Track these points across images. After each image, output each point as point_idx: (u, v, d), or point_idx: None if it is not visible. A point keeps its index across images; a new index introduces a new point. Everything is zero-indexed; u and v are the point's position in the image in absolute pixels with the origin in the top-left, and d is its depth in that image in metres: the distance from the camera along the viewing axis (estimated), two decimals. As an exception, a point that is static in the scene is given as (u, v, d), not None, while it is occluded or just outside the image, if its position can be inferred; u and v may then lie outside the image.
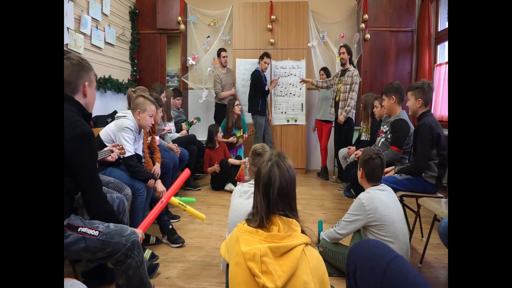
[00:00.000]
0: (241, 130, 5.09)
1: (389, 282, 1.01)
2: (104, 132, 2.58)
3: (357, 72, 4.60)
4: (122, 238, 1.54)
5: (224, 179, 4.41)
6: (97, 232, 1.52)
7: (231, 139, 4.82)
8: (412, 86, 2.70)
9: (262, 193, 1.18)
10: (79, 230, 1.50)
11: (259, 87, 5.04)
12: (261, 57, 5.05)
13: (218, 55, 5.30)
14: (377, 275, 1.04)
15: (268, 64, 5.13)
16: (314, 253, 1.13)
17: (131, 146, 2.51)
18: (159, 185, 2.59)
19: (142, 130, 2.73)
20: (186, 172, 2.34)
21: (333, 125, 5.05)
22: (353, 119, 4.70)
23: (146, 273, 1.66)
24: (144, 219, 2.02)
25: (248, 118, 5.43)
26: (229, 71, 5.41)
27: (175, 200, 2.42)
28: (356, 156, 3.44)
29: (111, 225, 1.59)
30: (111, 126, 2.58)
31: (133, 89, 2.73)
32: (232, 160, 4.58)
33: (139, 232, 1.78)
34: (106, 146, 2.53)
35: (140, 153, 2.73)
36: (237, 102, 4.96)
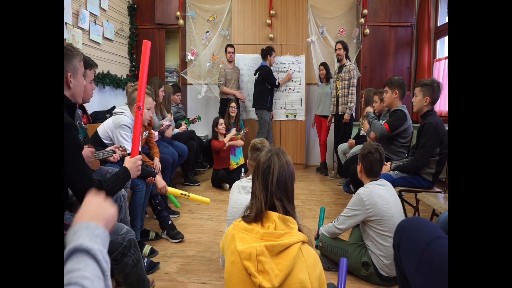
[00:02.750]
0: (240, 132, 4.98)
1: (427, 260, 1.05)
2: (102, 129, 2.56)
3: (354, 66, 4.58)
4: (118, 237, 1.52)
5: (223, 178, 4.37)
6: None
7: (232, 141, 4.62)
8: (420, 82, 2.65)
9: (261, 181, 1.17)
10: None
11: (271, 81, 5.01)
12: (269, 53, 5.02)
13: (225, 50, 5.27)
14: (418, 251, 1.09)
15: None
16: (310, 251, 1.12)
17: (129, 144, 2.49)
18: (159, 181, 2.56)
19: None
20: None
21: (332, 120, 5.05)
22: (353, 114, 4.70)
23: (144, 270, 1.64)
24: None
25: (251, 113, 5.42)
26: (236, 68, 5.37)
27: (176, 191, 2.42)
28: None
29: None
30: (108, 123, 2.56)
31: (133, 84, 2.72)
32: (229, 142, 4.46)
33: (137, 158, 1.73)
34: (103, 142, 2.51)
35: (139, 148, 2.71)
36: (233, 105, 4.84)
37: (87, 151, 1.94)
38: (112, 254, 1.51)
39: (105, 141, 2.53)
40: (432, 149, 2.53)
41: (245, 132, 4.87)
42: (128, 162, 1.71)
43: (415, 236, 1.16)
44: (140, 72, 1.68)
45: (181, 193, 2.38)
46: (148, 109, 2.61)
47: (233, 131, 4.55)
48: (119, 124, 2.48)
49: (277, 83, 5.11)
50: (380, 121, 3.22)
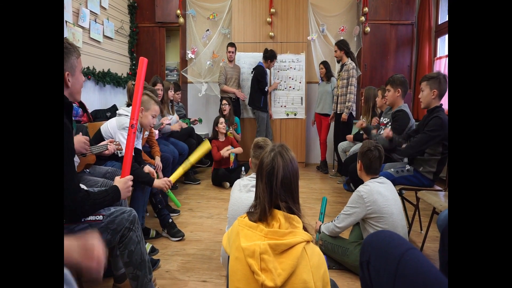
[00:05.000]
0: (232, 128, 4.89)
1: (402, 274, 0.99)
2: (105, 128, 2.57)
3: (354, 65, 4.54)
4: (124, 214, 1.59)
5: (223, 177, 4.37)
6: (101, 216, 1.55)
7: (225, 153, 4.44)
8: (426, 76, 2.60)
9: (265, 183, 1.15)
10: (83, 220, 1.51)
11: (261, 84, 5.02)
12: (271, 59, 5.06)
13: (226, 48, 5.26)
14: (391, 266, 1.03)
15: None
16: (315, 250, 1.10)
17: None
18: (160, 185, 2.45)
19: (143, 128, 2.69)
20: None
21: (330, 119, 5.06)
22: (353, 113, 4.68)
23: (146, 250, 1.69)
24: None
25: (250, 111, 5.45)
26: (237, 66, 5.37)
27: (178, 173, 2.47)
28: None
29: (111, 208, 1.61)
30: (112, 123, 2.56)
31: (134, 83, 2.70)
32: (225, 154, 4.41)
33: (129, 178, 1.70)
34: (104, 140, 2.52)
35: (140, 147, 2.71)
36: (224, 102, 4.82)
37: (81, 138, 1.93)
38: (119, 232, 1.57)
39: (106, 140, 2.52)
40: (431, 140, 2.49)
41: (234, 128, 4.84)
42: (118, 182, 1.65)
43: (385, 251, 1.09)
44: (135, 89, 1.64)
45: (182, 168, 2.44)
46: (154, 117, 2.55)
47: (236, 149, 4.54)
48: (122, 126, 2.49)
49: (266, 89, 5.12)
50: (382, 131, 3.23)
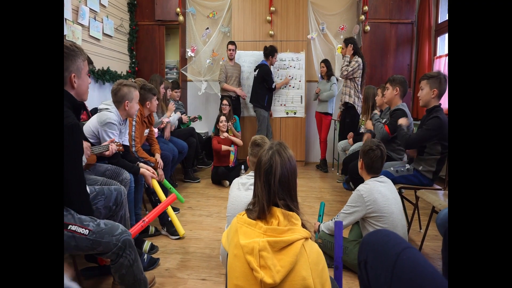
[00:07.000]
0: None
1: (399, 273, 0.99)
2: (87, 127, 2.44)
3: (358, 59, 4.44)
4: (112, 238, 1.51)
5: (223, 176, 4.38)
6: (87, 231, 1.47)
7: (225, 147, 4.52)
8: (427, 75, 2.59)
9: (263, 181, 1.15)
10: (69, 228, 1.45)
11: (268, 82, 5.01)
12: (272, 54, 5.02)
13: (226, 47, 5.24)
14: (388, 265, 1.02)
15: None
16: (314, 247, 1.11)
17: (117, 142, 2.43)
18: (144, 170, 2.53)
19: (128, 119, 2.67)
20: (172, 197, 2.33)
21: (336, 117, 5.02)
22: (357, 108, 4.60)
23: (141, 269, 1.63)
24: (134, 225, 1.98)
25: (252, 110, 5.44)
26: (237, 65, 5.35)
27: (161, 193, 2.56)
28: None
29: (102, 223, 1.54)
30: (93, 121, 2.43)
31: (134, 80, 2.69)
32: (225, 147, 4.47)
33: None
34: (89, 141, 2.39)
35: (127, 143, 2.67)
36: (225, 102, 4.81)
37: (84, 144, 1.92)
38: (107, 254, 1.52)
39: (91, 140, 2.41)
40: (428, 137, 2.50)
41: (233, 122, 4.85)
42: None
43: (382, 250, 1.08)
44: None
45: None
46: (137, 102, 2.60)
47: (234, 148, 4.60)
48: (104, 122, 2.37)
49: (273, 86, 5.10)
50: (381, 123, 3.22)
